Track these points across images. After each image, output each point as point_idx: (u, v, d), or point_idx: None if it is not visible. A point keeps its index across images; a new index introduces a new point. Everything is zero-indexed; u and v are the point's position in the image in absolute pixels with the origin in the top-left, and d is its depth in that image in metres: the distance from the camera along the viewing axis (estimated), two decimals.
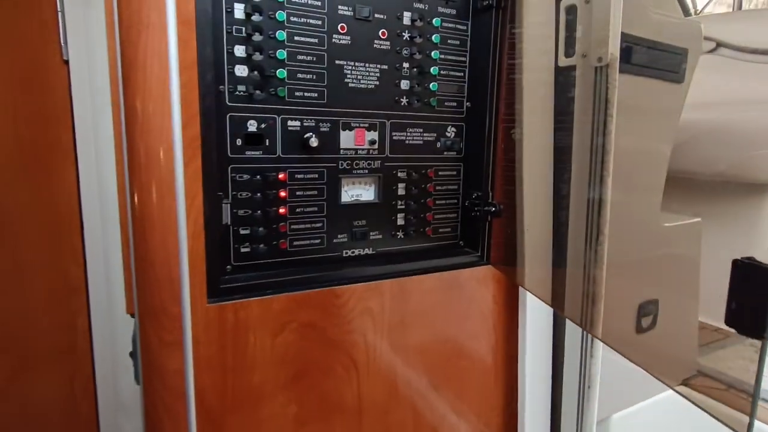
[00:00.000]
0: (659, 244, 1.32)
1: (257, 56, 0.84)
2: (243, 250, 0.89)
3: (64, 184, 1.25)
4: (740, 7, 3.52)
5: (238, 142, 0.86)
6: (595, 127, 1.00)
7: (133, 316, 0.86)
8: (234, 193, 0.87)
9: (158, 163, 0.73)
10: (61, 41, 1.12)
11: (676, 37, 1.19)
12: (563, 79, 1.09)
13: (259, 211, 0.89)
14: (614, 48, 0.93)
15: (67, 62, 1.13)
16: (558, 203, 1.12)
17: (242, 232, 0.89)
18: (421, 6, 0.98)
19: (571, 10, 0.99)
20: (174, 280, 0.77)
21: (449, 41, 1.03)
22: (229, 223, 0.82)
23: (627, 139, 1.02)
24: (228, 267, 0.89)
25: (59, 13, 1.13)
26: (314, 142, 0.90)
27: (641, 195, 1.22)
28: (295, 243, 0.94)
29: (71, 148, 1.20)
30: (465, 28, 1.05)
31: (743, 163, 1.92)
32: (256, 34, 0.84)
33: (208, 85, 0.76)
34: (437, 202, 1.09)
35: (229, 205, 0.82)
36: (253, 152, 0.87)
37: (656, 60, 1.15)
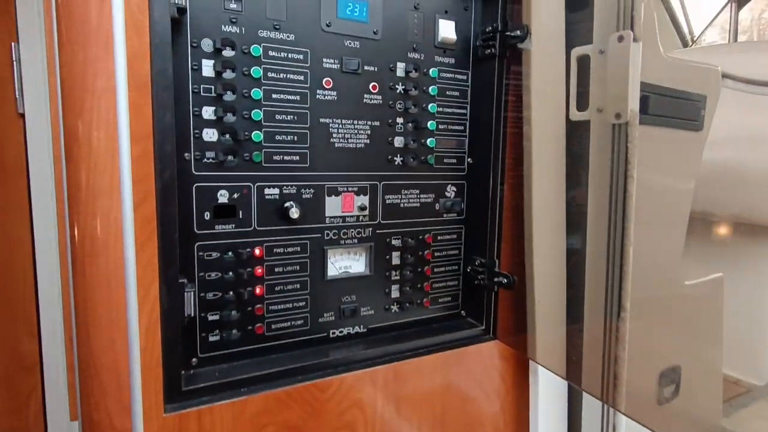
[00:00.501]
0: (681, 305, 1.20)
1: (229, 117, 0.73)
2: (212, 338, 0.77)
3: (20, 244, 1.12)
4: (736, 31, 3.49)
5: (207, 215, 0.74)
6: (614, 189, 0.89)
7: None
8: (201, 274, 0.74)
9: (105, 251, 0.61)
10: (17, 94, 1.02)
11: (694, 83, 1.09)
12: (576, 134, 0.99)
13: (231, 293, 0.77)
14: (634, 103, 0.82)
15: (22, 115, 1.02)
16: (572, 272, 1.00)
17: (211, 318, 0.76)
18: (416, 56, 0.88)
19: (584, 60, 0.90)
20: (123, 387, 0.64)
21: (448, 93, 0.93)
22: (192, 314, 0.70)
23: (644, 197, 0.91)
24: (193, 360, 0.76)
25: (15, 63, 1.02)
26: (295, 213, 0.78)
27: (662, 256, 1.10)
28: (274, 326, 0.82)
29: (26, 204, 1.09)
30: (465, 78, 0.95)
31: (758, 205, 1.82)
32: (228, 92, 0.73)
33: (167, 155, 0.64)
34: (436, 270, 0.97)
35: (192, 292, 0.69)
36: (223, 226, 0.75)
37: (674, 108, 1.05)
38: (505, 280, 0.93)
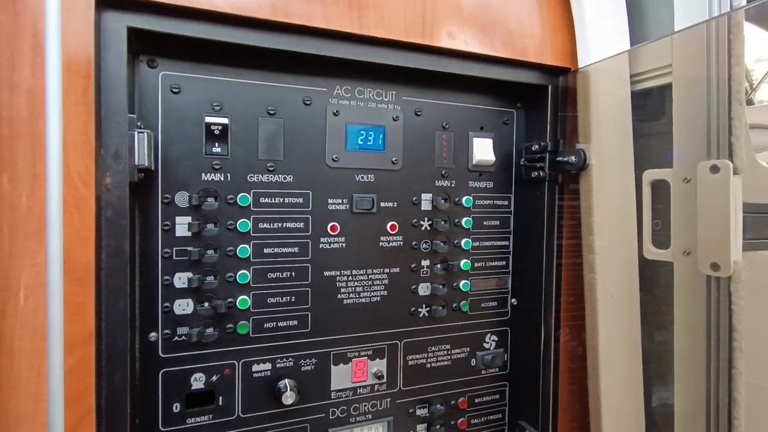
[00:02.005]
0: None
1: (209, 282, 0.59)
2: None
3: None
4: None
5: (176, 407, 0.58)
6: (713, 345, 0.67)
7: None
8: None
9: None
10: None
11: None
12: (652, 275, 0.78)
13: None
14: (737, 253, 0.62)
15: None
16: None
17: None
18: (446, 183, 0.72)
19: (660, 187, 0.71)
20: None
21: (485, 223, 0.76)
22: None
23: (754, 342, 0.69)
24: None
25: None
26: (289, 398, 0.61)
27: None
28: None
29: None
30: (506, 203, 0.77)
31: None
32: (209, 252, 0.59)
33: (118, 354, 0.50)
34: None
35: None
36: (198, 418, 0.59)
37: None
38: None
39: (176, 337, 0.58)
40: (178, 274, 0.57)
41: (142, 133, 0.50)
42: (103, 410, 0.49)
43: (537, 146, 0.74)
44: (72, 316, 0.47)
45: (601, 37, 0.72)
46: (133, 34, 0.50)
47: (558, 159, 0.71)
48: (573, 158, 0.69)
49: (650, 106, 0.78)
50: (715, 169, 0.62)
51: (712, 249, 0.63)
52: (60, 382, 0.46)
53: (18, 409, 0.45)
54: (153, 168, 0.54)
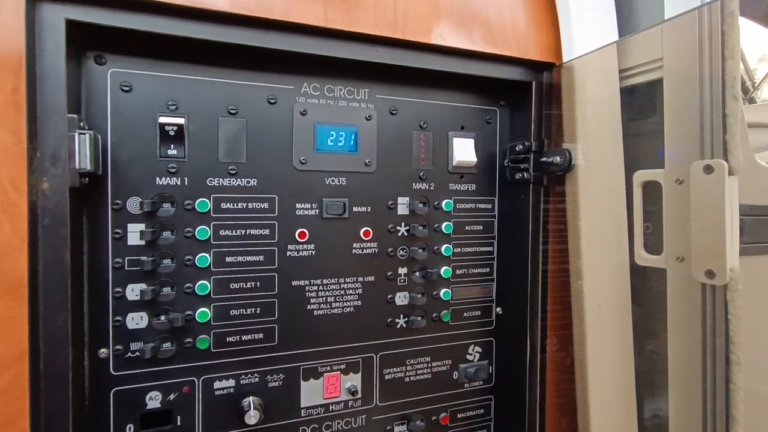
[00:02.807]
0: None
1: (165, 294, 0.55)
2: None
3: None
4: None
5: (130, 429, 0.54)
6: (708, 355, 0.62)
7: None
8: None
9: None
10: None
11: None
12: (643, 283, 0.74)
13: None
14: (734, 260, 0.58)
15: None
16: None
17: None
18: (424, 186, 0.68)
19: (652, 189, 0.66)
20: None
21: (467, 228, 0.72)
22: None
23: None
24: None
25: None
26: (253, 418, 0.57)
27: None
28: None
29: None
30: (490, 206, 0.73)
31: None
32: (165, 261, 0.55)
33: (57, 375, 0.46)
34: None
35: None
36: None
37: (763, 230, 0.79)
38: None
39: (129, 353, 0.54)
40: (130, 286, 0.53)
41: (84, 134, 0.47)
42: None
43: (521, 146, 0.69)
44: (2, 332, 0.43)
45: (588, 31, 0.68)
46: (75, 27, 0.47)
47: (543, 160, 0.67)
48: (558, 158, 0.65)
49: (640, 103, 0.74)
50: (709, 169, 0.58)
51: (706, 255, 0.59)
52: None
53: None
54: (99, 172, 0.50)
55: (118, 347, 0.53)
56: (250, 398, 0.58)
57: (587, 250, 0.71)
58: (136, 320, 0.54)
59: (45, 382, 0.46)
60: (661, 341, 0.71)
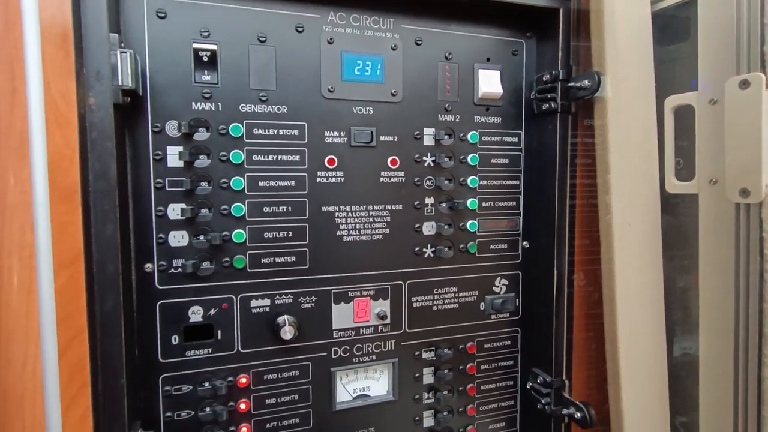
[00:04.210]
0: None
1: (204, 215, 0.58)
2: None
3: None
4: None
5: (175, 339, 0.58)
6: (741, 284, 0.61)
7: None
8: (168, 414, 0.58)
9: (20, 413, 0.46)
10: None
11: None
12: (674, 211, 0.73)
13: None
14: None
15: None
16: (682, 401, 0.73)
17: None
18: (449, 118, 0.69)
19: (684, 113, 0.65)
20: None
21: (493, 161, 0.72)
22: None
23: None
24: None
25: None
26: (288, 333, 0.60)
27: None
28: None
29: None
30: (516, 140, 0.73)
31: None
32: (203, 184, 0.58)
33: (109, 279, 0.49)
34: (483, 388, 0.74)
35: None
36: (197, 351, 0.59)
37: None
38: (579, 414, 0.67)
39: (172, 269, 0.57)
40: (171, 205, 0.57)
41: (125, 52, 0.49)
42: (97, 333, 0.49)
43: (548, 76, 0.69)
44: (59, 234, 0.46)
45: None
46: None
47: (570, 85, 0.66)
48: (586, 82, 0.64)
49: (673, 28, 0.72)
50: (745, 84, 0.56)
51: (741, 174, 0.57)
52: (51, 300, 0.46)
53: (9, 326, 0.46)
54: (140, 92, 0.53)
55: (162, 263, 0.57)
56: (285, 316, 0.61)
57: (616, 184, 0.70)
58: (177, 238, 0.57)
59: (98, 286, 0.49)
60: (691, 275, 0.70)
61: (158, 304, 0.57)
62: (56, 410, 0.47)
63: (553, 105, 0.68)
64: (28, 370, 0.46)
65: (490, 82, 0.69)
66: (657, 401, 0.70)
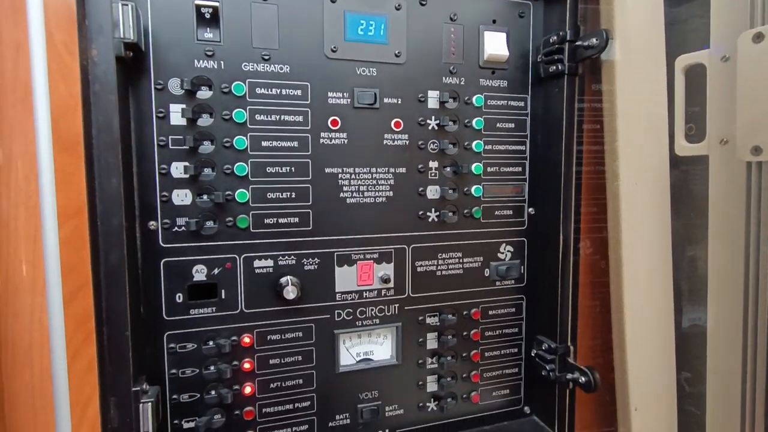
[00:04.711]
0: None
1: (207, 174, 0.58)
2: None
3: None
4: None
5: (179, 297, 0.59)
6: (752, 248, 0.60)
7: None
8: (173, 371, 0.59)
9: (29, 361, 0.47)
10: None
11: None
12: (684, 174, 0.72)
13: (212, 392, 0.60)
14: None
15: None
16: (688, 366, 0.72)
17: (186, 425, 0.60)
18: (454, 80, 0.68)
19: (695, 73, 0.63)
20: None
21: (499, 125, 0.71)
22: (150, 431, 0.54)
23: None
24: None
25: None
26: (291, 293, 0.60)
27: None
28: None
29: None
30: (522, 104, 0.72)
31: None
32: (206, 143, 0.58)
33: (113, 232, 0.50)
34: (487, 354, 0.74)
35: (151, 404, 0.54)
36: (201, 310, 0.60)
37: None
38: (583, 378, 0.67)
39: (176, 228, 0.58)
40: (174, 164, 0.57)
41: (127, 5, 0.49)
42: (102, 285, 0.50)
43: (555, 37, 0.68)
44: (63, 185, 0.47)
45: None
46: None
47: (577, 44, 0.65)
48: (594, 40, 0.62)
49: None
50: (758, 37, 0.55)
51: (753, 131, 0.56)
52: (56, 251, 0.47)
53: (16, 276, 0.46)
54: (142, 47, 0.53)
55: (166, 221, 0.57)
56: (288, 276, 0.62)
57: (624, 151, 0.69)
58: (181, 197, 0.58)
59: (103, 239, 0.50)
60: (700, 245, 0.69)
61: (162, 262, 0.57)
62: (62, 359, 0.48)
63: (560, 67, 0.67)
64: (35, 319, 0.47)
65: (495, 45, 0.68)
66: (664, 369, 0.69)
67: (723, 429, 0.62)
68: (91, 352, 0.49)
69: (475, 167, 0.69)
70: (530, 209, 0.74)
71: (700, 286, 0.71)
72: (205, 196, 0.58)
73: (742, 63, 0.56)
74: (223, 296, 0.60)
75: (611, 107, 0.69)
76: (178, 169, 0.57)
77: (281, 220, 0.62)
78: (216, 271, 0.60)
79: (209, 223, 0.59)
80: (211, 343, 0.60)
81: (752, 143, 0.56)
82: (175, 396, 0.59)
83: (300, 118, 0.61)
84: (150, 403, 0.54)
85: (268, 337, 0.62)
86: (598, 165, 0.73)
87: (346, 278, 0.65)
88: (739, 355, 0.62)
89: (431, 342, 0.71)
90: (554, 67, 0.68)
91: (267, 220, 0.61)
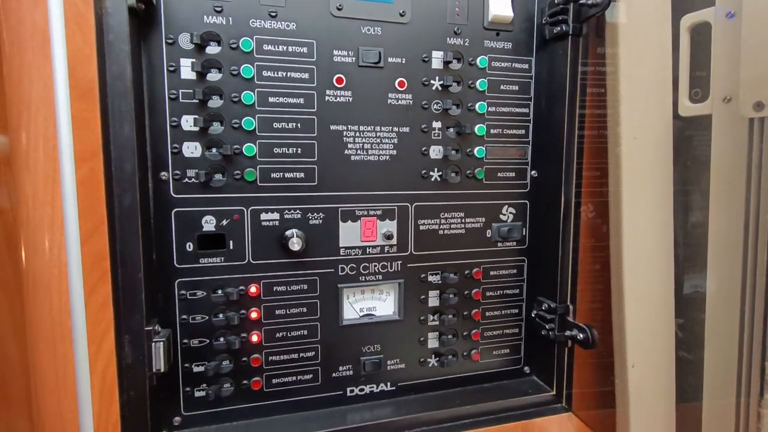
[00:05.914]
0: None
1: (215, 128, 0.60)
2: (198, 393, 0.64)
3: None
4: None
5: (189, 246, 0.61)
6: (752, 210, 0.61)
7: None
8: (183, 317, 0.62)
9: (48, 296, 0.50)
10: None
11: None
12: (687, 134, 0.72)
13: (221, 339, 0.63)
14: None
15: None
16: (685, 324, 0.72)
17: (196, 369, 0.63)
18: (458, 41, 0.69)
19: (700, 32, 0.63)
20: None
21: (503, 87, 0.72)
22: (163, 368, 0.57)
23: None
24: (175, 419, 0.63)
25: None
26: (296, 244, 0.62)
27: None
28: (275, 381, 0.67)
29: None
30: (526, 66, 0.73)
31: None
32: (214, 97, 0.60)
33: (127, 177, 0.52)
34: (488, 314, 0.76)
35: (162, 343, 0.56)
36: (210, 259, 0.62)
37: None
38: (581, 335, 0.68)
39: (186, 179, 0.60)
40: (185, 117, 0.59)
41: None
42: (116, 226, 0.52)
43: None
44: (79, 130, 0.49)
45: None
46: None
47: (581, 2, 0.65)
48: None
49: None
50: None
51: (756, 86, 0.56)
52: (73, 190, 0.49)
53: (36, 215, 0.49)
54: (153, 1, 0.55)
55: (177, 172, 0.59)
56: (293, 229, 0.64)
57: (627, 115, 0.69)
58: (191, 149, 0.60)
59: (117, 182, 0.52)
60: (702, 212, 0.69)
61: (173, 211, 0.60)
62: (79, 295, 0.51)
63: (564, 27, 0.67)
64: (54, 256, 0.50)
65: (500, 5, 0.69)
66: (661, 321, 0.70)
67: (724, 374, 0.63)
68: (106, 290, 0.52)
69: (479, 128, 0.70)
70: (533, 172, 0.75)
71: (700, 254, 0.71)
72: (214, 149, 0.60)
73: (748, 16, 0.56)
74: (231, 247, 0.63)
75: (615, 71, 0.69)
76: (188, 122, 0.59)
77: (287, 175, 0.64)
78: (224, 222, 0.62)
79: (218, 176, 0.61)
80: (219, 291, 0.62)
81: (755, 98, 0.56)
82: (185, 341, 0.62)
83: (306, 75, 0.63)
84: (162, 342, 0.56)
85: (274, 288, 0.65)
86: (602, 129, 0.73)
87: (350, 233, 0.67)
88: (737, 319, 0.63)
89: (433, 300, 0.72)
90: (558, 28, 0.68)
91: (273, 174, 0.63)
